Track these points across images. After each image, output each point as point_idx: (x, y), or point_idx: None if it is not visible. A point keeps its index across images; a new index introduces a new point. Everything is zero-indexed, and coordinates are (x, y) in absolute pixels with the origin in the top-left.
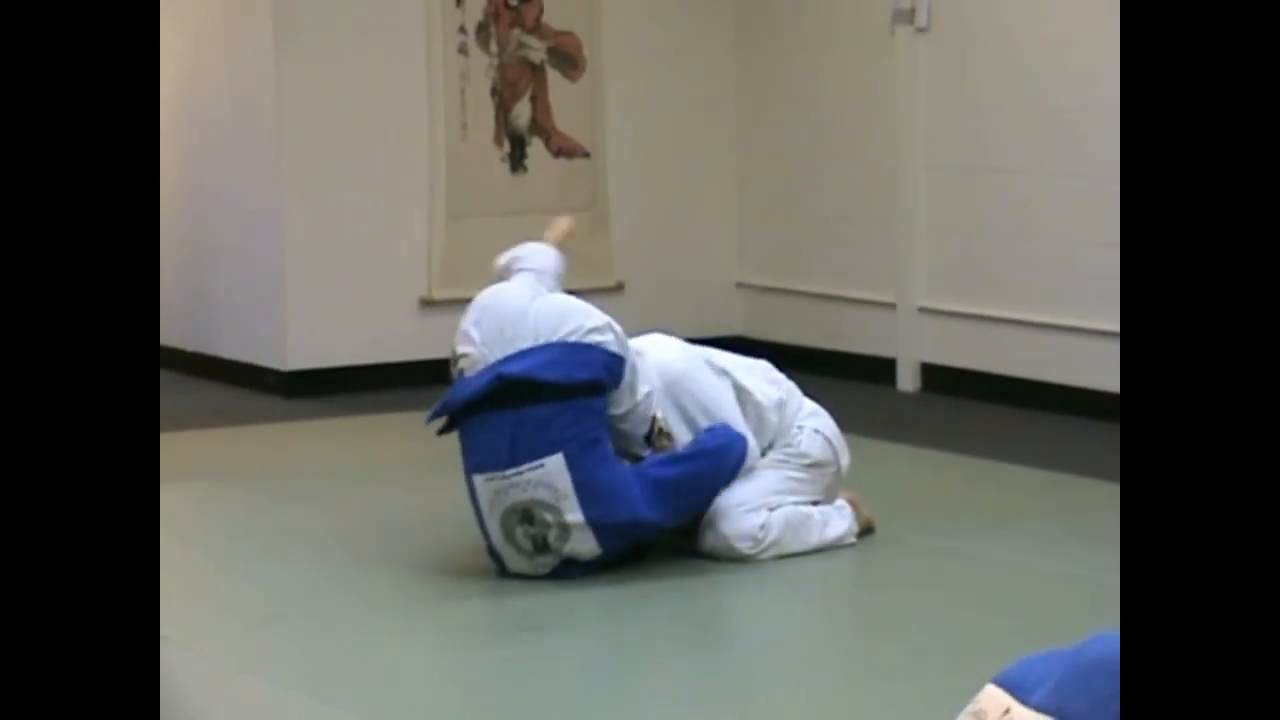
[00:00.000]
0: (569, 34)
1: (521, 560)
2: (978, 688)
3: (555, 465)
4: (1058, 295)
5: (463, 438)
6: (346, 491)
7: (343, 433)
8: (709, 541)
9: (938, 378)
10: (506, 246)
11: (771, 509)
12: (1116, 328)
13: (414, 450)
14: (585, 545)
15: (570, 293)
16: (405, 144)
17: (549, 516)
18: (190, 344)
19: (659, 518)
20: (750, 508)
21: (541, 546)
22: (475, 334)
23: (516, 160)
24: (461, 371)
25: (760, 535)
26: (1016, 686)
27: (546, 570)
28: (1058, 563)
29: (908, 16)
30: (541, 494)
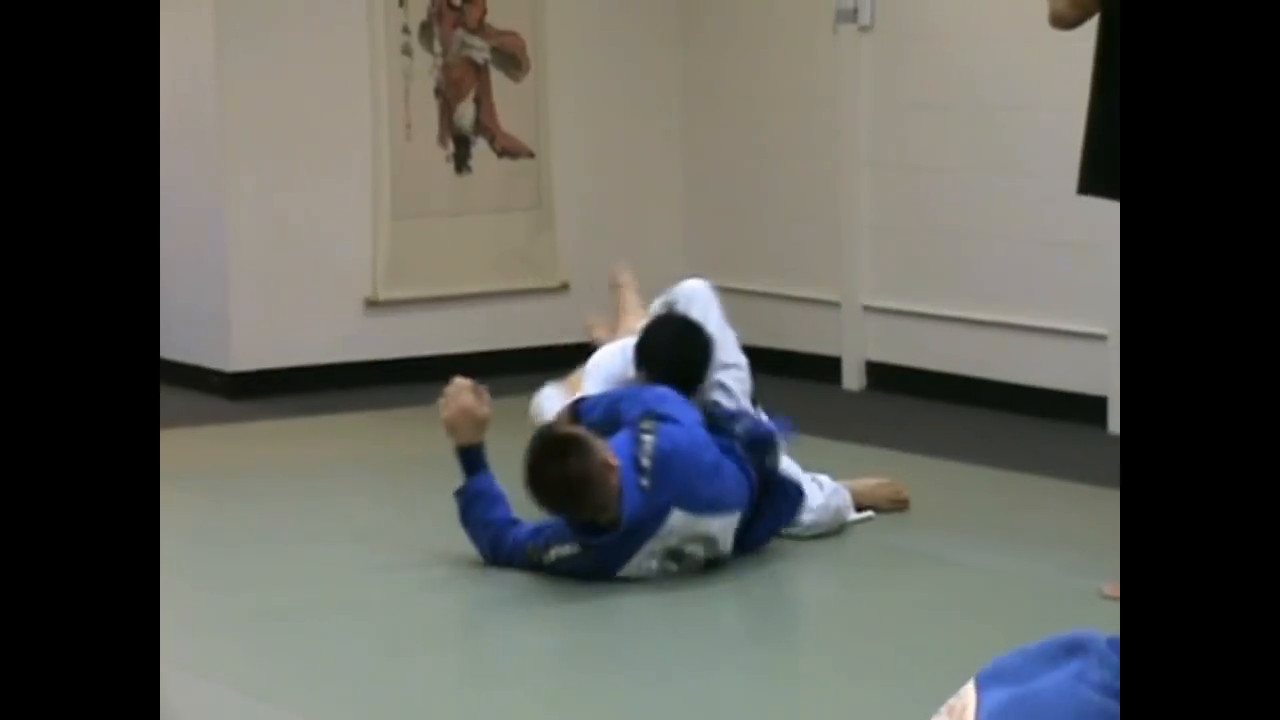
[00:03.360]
0: (512, 34)
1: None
2: (920, 686)
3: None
4: (1001, 293)
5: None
6: (293, 493)
7: (288, 434)
8: (811, 519)
9: (883, 376)
10: (451, 246)
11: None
12: (1058, 325)
13: (360, 451)
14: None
15: (515, 294)
16: (349, 144)
17: (700, 552)
18: None
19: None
20: (809, 478)
21: (676, 559)
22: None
23: (461, 160)
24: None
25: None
26: (983, 687)
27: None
28: (1001, 560)
29: (851, 15)
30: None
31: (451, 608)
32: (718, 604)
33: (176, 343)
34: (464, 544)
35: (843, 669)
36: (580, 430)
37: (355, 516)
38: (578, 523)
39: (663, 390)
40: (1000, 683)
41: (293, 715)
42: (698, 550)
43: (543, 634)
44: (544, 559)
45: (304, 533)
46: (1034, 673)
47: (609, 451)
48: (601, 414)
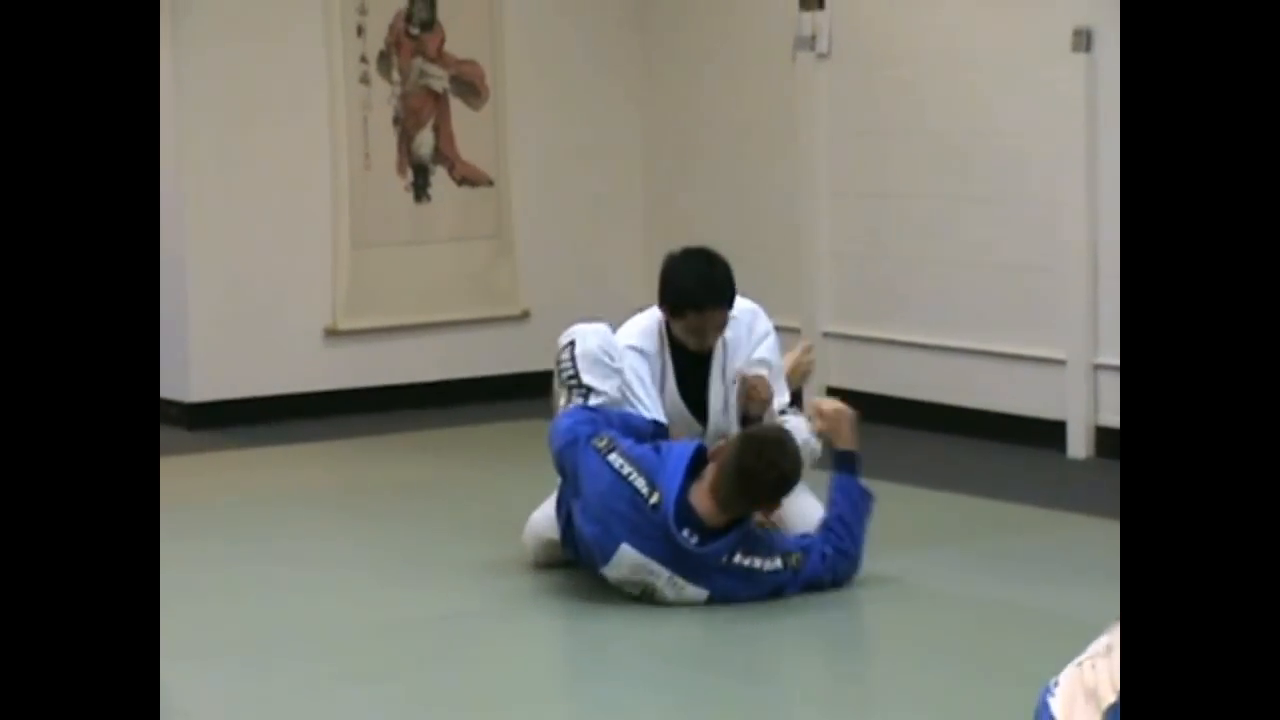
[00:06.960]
0: (471, 62)
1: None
2: (875, 712)
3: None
4: (960, 319)
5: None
6: (251, 523)
7: (247, 464)
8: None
9: (844, 402)
10: (411, 275)
11: None
12: (1017, 350)
13: (320, 480)
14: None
15: (476, 322)
16: (308, 174)
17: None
18: None
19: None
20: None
21: (647, 597)
22: None
23: (420, 189)
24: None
25: None
26: None
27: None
28: (960, 584)
29: (809, 43)
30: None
31: (414, 634)
32: (671, 630)
33: None
34: (424, 572)
35: (794, 695)
36: None
37: (314, 545)
38: (719, 509)
39: None
40: None
41: None
42: (662, 590)
43: (509, 660)
44: (613, 447)
45: (261, 561)
46: None
47: None
48: None
